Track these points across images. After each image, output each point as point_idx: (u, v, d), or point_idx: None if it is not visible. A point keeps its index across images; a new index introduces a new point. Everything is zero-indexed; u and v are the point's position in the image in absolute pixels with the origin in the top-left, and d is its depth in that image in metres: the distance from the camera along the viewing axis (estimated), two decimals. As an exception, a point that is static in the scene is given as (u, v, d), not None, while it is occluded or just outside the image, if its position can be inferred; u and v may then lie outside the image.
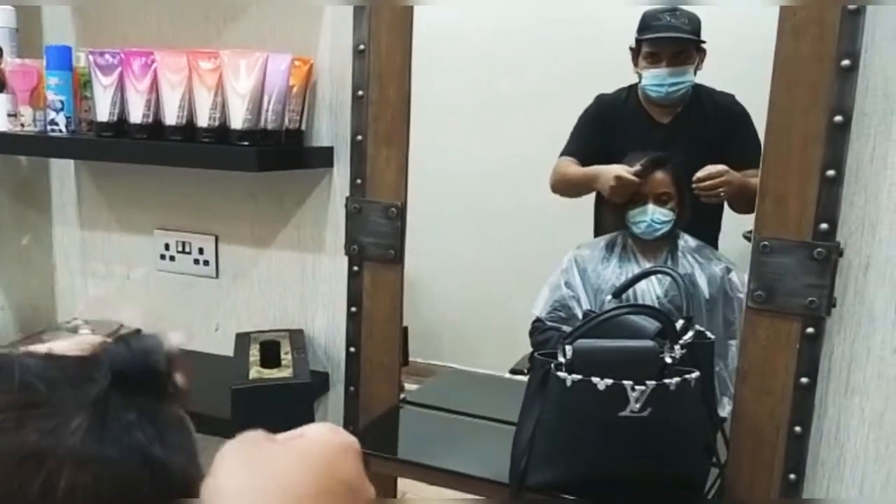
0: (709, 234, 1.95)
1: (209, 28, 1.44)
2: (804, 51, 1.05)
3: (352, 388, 1.41)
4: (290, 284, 1.48)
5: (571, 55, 1.92)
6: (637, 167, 1.79)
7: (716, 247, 1.97)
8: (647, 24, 1.82)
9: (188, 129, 1.29)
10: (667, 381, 1.07)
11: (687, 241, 1.95)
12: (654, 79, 1.78)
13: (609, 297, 1.40)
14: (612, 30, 1.87)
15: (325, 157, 1.39)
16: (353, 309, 1.39)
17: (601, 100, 1.86)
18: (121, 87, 1.33)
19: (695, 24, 1.76)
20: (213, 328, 1.55)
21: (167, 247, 1.56)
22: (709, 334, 1.29)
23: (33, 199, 1.62)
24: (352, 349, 1.40)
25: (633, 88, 1.86)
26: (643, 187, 1.84)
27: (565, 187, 1.94)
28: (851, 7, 1.03)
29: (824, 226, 1.08)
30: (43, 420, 0.42)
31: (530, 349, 1.93)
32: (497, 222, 2.36)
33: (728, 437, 1.21)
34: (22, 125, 1.40)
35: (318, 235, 1.44)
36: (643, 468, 1.09)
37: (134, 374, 0.46)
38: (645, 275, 1.55)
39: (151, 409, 0.46)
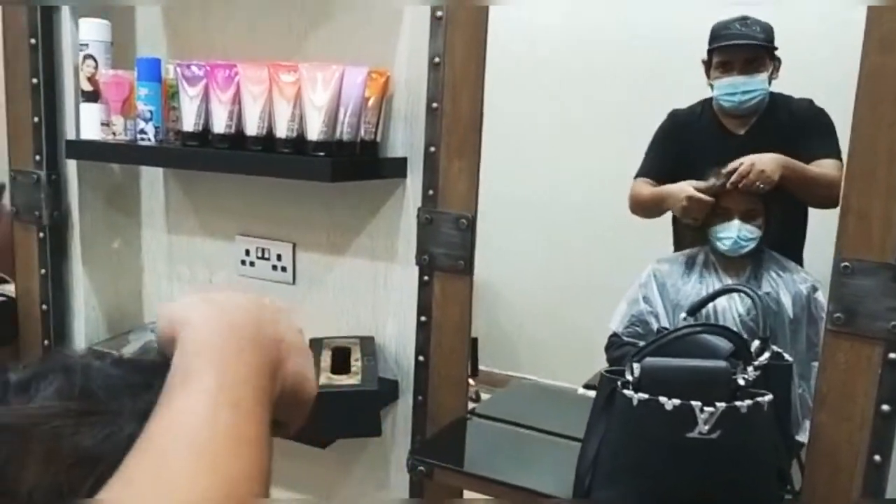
0: (792, 250, 1.89)
1: (291, 40, 1.48)
2: (891, 65, 1.01)
3: (420, 398, 1.42)
4: (363, 292, 1.50)
5: (647, 67, 1.90)
6: (710, 182, 1.76)
7: (800, 264, 1.91)
8: (717, 34, 1.79)
9: (268, 139, 1.33)
10: (738, 403, 1.04)
11: (772, 257, 1.89)
12: (727, 88, 1.74)
13: (684, 314, 1.37)
14: (690, 41, 1.84)
15: (399, 168, 1.41)
16: (423, 318, 1.40)
17: (675, 115, 1.83)
18: (206, 98, 1.38)
19: (767, 32, 1.72)
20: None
21: (247, 252, 1.61)
22: (786, 356, 1.25)
23: (124, 204, 1.69)
24: (420, 358, 1.41)
25: (707, 102, 1.82)
26: (729, 202, 1.79)
27: (640, 210, 1.92)
28: (944, 18, 0.98)
29: (910, 247, 1.03)
30: (98, 427, 0.44)
31: (606, 364, 1.92)
32: (576, 232, 2.35)
33: (804, 463, 1.16)
34: (114, 134, 1.47)
35: (390, 245, 1.46)
36: (710, 492, 1.06)
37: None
38: (721, 292, 1.51)
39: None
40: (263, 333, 0.51)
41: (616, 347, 1.92)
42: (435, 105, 1.33)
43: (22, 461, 0.42)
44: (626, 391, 1.07)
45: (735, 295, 1.79)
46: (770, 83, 1.78)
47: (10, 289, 1.69)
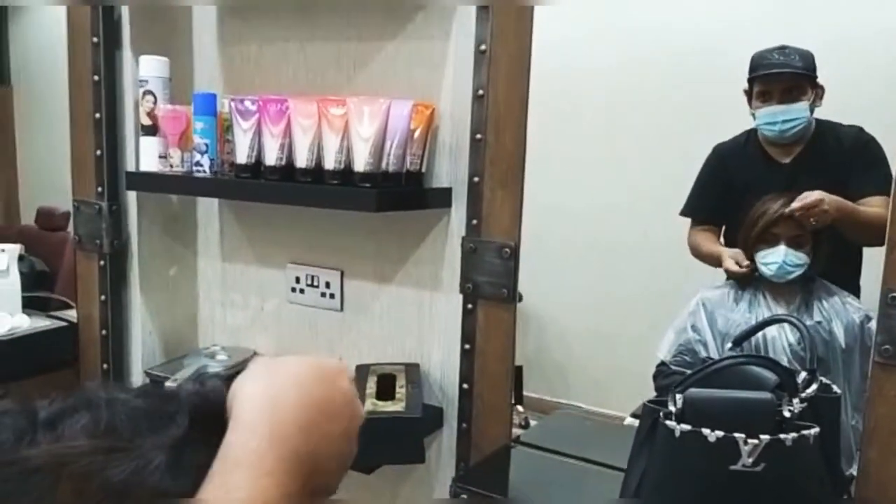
0: (847, 280, 1.86)
1: (340, 75, 1.52)
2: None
3: (464, 425, 1.43)
4: (409, 320, 1.53)
5: (694, 98, 1.90)
6: (744, 265, 1.78)
7: (857, 294, 1.87)
8: (756, 63, 1.79)
9: (317, 171, 1.37)
10: (783, 435, 1.03)
11: (823, 286, 1.86)
12: (767, 116, 1.74)
13: (730, 344, 1.36)
14: (736, 72, 1.84)
15: (443, 198, 1.44)
16: (467, 346, 1.41)
17: (718, 149, 1.84)
18: (258, 132, 1.43)
19: (807, 60, 1.71)
20: (336, 359, 1.61)
21: (297, 280, 1.65)
22: (835, 388, 1.22)
23: (181, 233, 1.75)
24: (465, 386, 1.43)
25: (752, 132, 1.82)
26: (777, 228, 1.78)
27: (700, 259, 1.93)
28: None
29: (960, 278, 1.01)
30: (125, 461, 0.46)
31: (654, 392, 1.90)
32: (625, 260, 2.34)
33: (854, 498, 1.14)
34: (171, 166, 1.53)
35: (435, 273, 1.49)
36: (755, 525, 1.05)
37: (209, 415, 0.50)
38: (768, 322, 1.50)
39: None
40: (308, 422, 0.54)
41: (664, 376, 1.91)
42: (479, 136, 1.35)
43: (54, 501, 0.45)
44: (668, 422, 1.06)
45: (786, 325, 1.77)
46: (812, 111, 1.76)
47: (72, 314, 1.76)
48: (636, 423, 1.82)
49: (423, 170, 1.43)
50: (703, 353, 1.89)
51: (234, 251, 1.73)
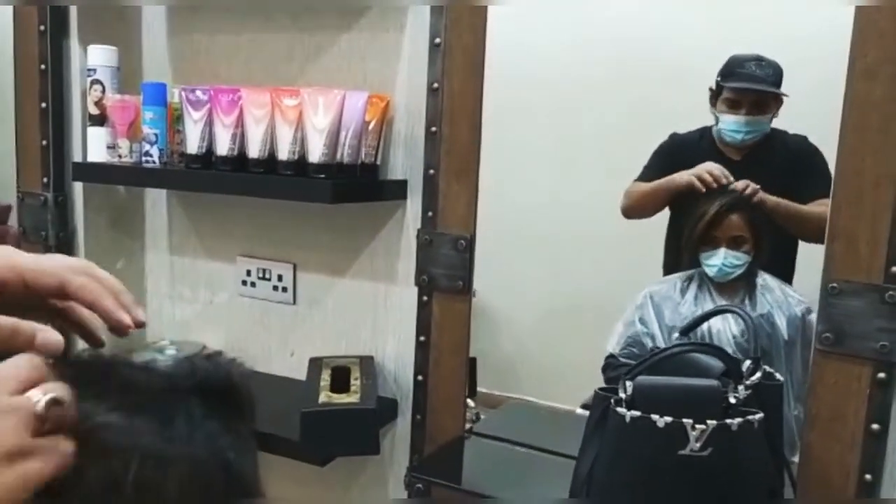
0: (782, 273, 1.92)
1: (293, 67, 1.52)
2: (876, 93, 1.04)
3: (419, 417, 1.44)
4: (363, 312, 1.53)
5: (646, 89, 1.93)
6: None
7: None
8: (731, 70, 1.83)
9: (270, 161, 1.36)
10: (728, 420, 1.06)
11: (766, 280, 1.91)
12: (733, 125, 1.79)
13: (677, 334, 1.39)
14: (687, 66, 1.88)
15: (398, 190, 1.44)
16: (422, 338, 1.42)
17: (675, 137, 1.87)
18: (209, 122, 1.41)
19: (778, 74, 1.77)
20: (288, 353, 1.61)
21: (248, 273, 1.63)
22: (778, 376, 1.26)
23: (128, 226, 1.72)
24: (419, 378, 1.43)
25: (707, 130, 1.86)
26: (717, 231, 1.83)
27: (637, 203, 1.95)
28: (925, 47, 1.01)
29: (896, 268, 1.05)
30: (139, 423, 0.47)
31: (603, 384, 1.93)
32: (574, 254, 2.37)
33: (794, 481, 1.18)
34: (119, 156, 1.50)
35: (390, 266, 1.49)
36: (703, 509, 1.08)
37: (218, 388, 0.52)
38: (714, 313, 1.53)
39: (228, 420, 0.52)
40: None
41: (613, 368, 1.94)
42: (434, 129, 1.36)
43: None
44: (619, 409, 1.09)
45: (730, 316, 1.81)
46: (771, 120, 1.83)
47: (15, 308, 1.72)
48: (586, 413, 1.86)
49: (378, 161, 1.43)
50: (651, 345, 1.92)
51: (182, 244, 1.71)
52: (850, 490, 1.12)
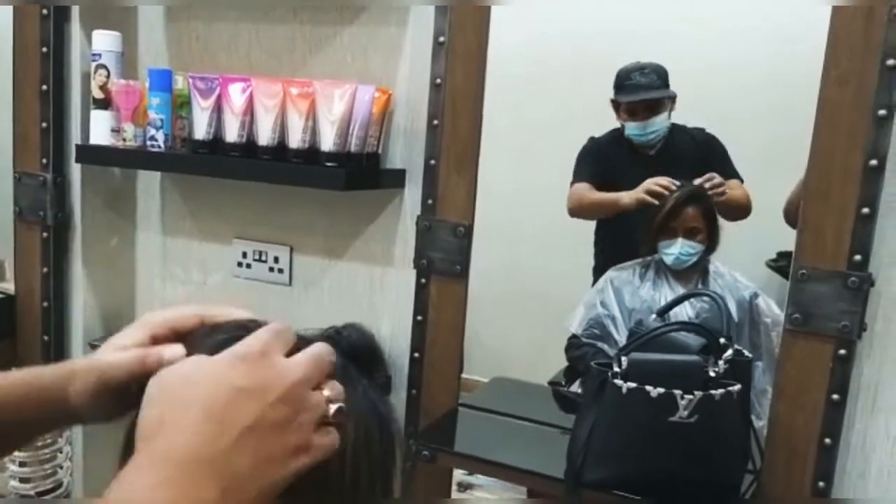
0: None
1: (294, 58, 1.58)
2: (846, 99, 1.18)
3: (414, 392, 1.54)
4: (359, 294, 1.61)
5: (597, 82, 2.09)
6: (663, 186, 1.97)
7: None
8: (620, 83, 2.06)
9: (279, 149, 1.43)
10: (712, 391, 1.20)
11: (717, 267, 2.08)
12: (635, 130, 2.03)
13: (654, 315, 1.52)
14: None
15: (397, 179, 1.53)
16: (419, 318, 1.52)
17: (593, 140, 2.09)
18: (218, 109, 1.47)
19: (663, 77, 2.02)
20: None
21: (244, 255, 1.69)
22: (746, 353, 1.41)
23: (122, 206, 1.76)
24: (416, 355, 1.53)
25: (618, 130, 2.07)
26: (674, 222, 1.99)
27: (584, 212, 2.14)
28: (890, 63, 1.16)
29: (858, 257, 1.20)
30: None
31: (559, 362, 2.07)
32: (527, 240, 2.49)
33: (761, 447, 1.33)
34: (124, 140, 1.54)
35: (387, 250, 1.58)
36: (688, 469, 1.21)
37: (365, 351, 0.61)
38: (688, 296, 1.67)
39: (373, 379, 0.61)
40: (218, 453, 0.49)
41: (576, 348, 2.08)
42: (436, 122, 1.45)
43: None
44: (616, 381, 1.21)
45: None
46: (670, 116, 2.03)
47: (7, 286, 1.74)
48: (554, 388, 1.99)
49: (380, 151, 1.51)
50: (612, 327, 2.06)
51: (176, 226, 1.76)
52: (811, 453, 1.27)
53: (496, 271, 2.37)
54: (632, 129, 2.04)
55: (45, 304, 1.67)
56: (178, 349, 0.62)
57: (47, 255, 1.65)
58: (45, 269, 1.66)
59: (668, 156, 2.07)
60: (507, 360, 2.39)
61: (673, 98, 2.03)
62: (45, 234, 1.65)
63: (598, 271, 2.14)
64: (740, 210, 2.00)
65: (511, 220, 2.27)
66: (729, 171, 2.00)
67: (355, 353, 0.62)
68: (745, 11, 1.94)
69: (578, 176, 2.11)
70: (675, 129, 2.06)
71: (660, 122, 2.02)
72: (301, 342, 0.57)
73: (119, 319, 1.78)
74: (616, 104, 2.05)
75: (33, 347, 1.69)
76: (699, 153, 2.07)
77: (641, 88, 2.01)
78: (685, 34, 2.04)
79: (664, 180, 1.98)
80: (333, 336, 0.62)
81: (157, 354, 0.62)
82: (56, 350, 1.68)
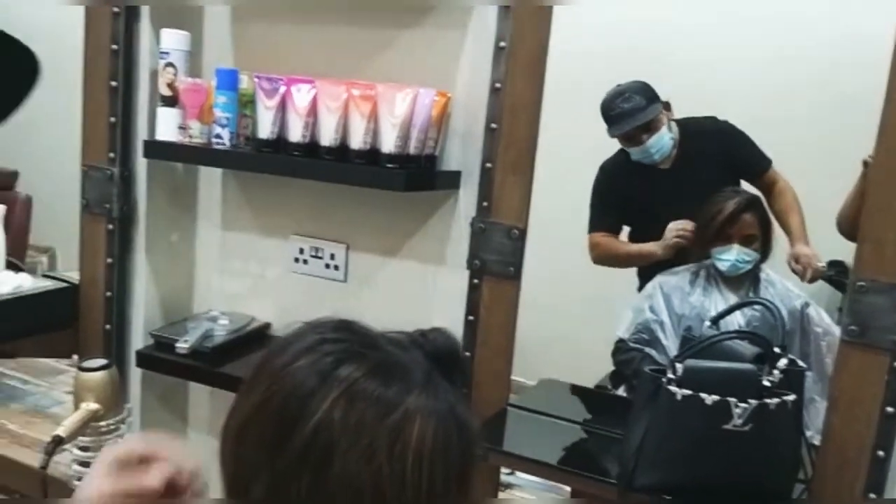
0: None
1: (355, 60, 1.61)
2: (911, 114, 1.18)
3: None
4: (411, 293, 1.64)
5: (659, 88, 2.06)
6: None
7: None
8: (606, 116, 1.97)
9: (341, 150, 1.46)
10: (767, 400, 1.20)
11: (769, 275, 2.07)
12: (639, 154, 1.97)
13: (707, 323, 1.53)
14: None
15: (453, 181, 1.55)
16: (471, 317, 1.54)
17: (604, 167, 2.03)
18: (282, 109, 1.51)
19: (647, 93, 1.92)
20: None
21: (301, 251, 1.73)
22: (800, 363, 1.41)
23: (184, 201, 1.81)
24: (467, 354, 1.55)
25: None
26: (731, 229, 1.98)
27: (611, 263, 2.12)
28: (956, 79, 1.15)
29: (918, 271, 1.20)
30: (398, 380, 0.58)
31: (605, 366, 2.08)
32: (576, 244, 2.50)
33: (813, 457, 1.33)
34: (190, 137, 1.59)
35: (440, 250, 1.60)
36: (739, 477, 1.22)
37: (449, 355, 0.63)
38: (743, 304, 1.68)
39: (454, 382, 0.63)
40: None
41: (622, 352, 2.08)
42: (494, 125, 1.47)
43: None
44: (670, 387, 1.22)
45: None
46: (671, 127, 1.97)
47: (71, 276, 1.80)
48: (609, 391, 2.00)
49: (437, 153, 1.54)
50: (661, 332, 2.07)
51: (235, 221, 1.80)
52: (863, 464, 1.27)
53: (543, 274, 2.38)
54: (636, 154, 1.98)
55: (108, 293, 1.72)
56: None
57: (112, 247, 1.71)
58: (108, 260, 1.71)
59: (686, 161, 2.02)
60: (552, 364, 2.41)
61: (667, 107, 1.96)
62: (110, 226, 1.70)
63: (644, 275, 2.13)
64: (795, 212, 1.97)
65: (561, 225, 2.28)
66: (755, 158, 1.94)
67: (439, 356, 0.64)
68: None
69: (592, 225, 2.07)
70: (684, 132, 1.99)
71: (660, 139, 1.96)
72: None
73: (177, 311, 1.83)
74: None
75: (96, 336, 1.74)
76: (719, 146, 2.00)
77: (627, 115, 1.93)
78: (735, 30, 2.00)
79: (681, 223, 1.97)
80: (419, 339, 0.65)
81: None
82: (118, 339, 1.74)
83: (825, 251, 1.99)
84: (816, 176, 1.99)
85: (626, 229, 2.11)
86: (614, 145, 2.15)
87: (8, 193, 3.27)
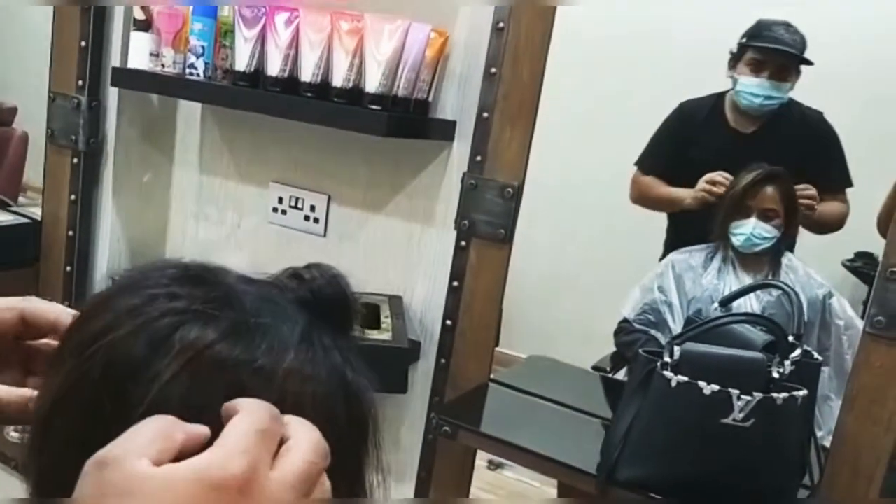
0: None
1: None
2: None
3: (443, 361, 1.43)
4: (395, 251, 1.50)
5: (683, 60, 1.91)
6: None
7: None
8: (758, 32, 1.80)
9: (322, 87, 1.32)
10: (774, 394, 1.06)
11: (791, 260, 1.91)
12: (753, 87, 1.76)
13: (715, 305, 1.38)
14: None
15: (447, 131, 1.41)
16: (455, 283, 1.40)
17: (683, 108, 1.86)
18: (262, 41, 1.37)
19: (804, 43, 1.75)
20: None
21: (280, 200, 1.60)
22: (816, 355, 1.27)
23: (159, 139, 1.68)
24: (448, 322, 1.42)
25: (720, 97, 1.84)
26: (750, 200, 1.81)
27: (645, 204, 1.97)
28: None
29: (958, 259, 1.05)
30: (266, 342, 0.44)
31: (606, 346, 1.94)
32: (588, 218, 2.36)
33: (821, 460, 1.19)
34: (162, 65, 1.45)
35: (429, 207, 1.46)
36: (735, 478, 1.08)
37: (331, 302, 0.49)
38: (759, 286, 1.53)
39: (341, 336, 0.49)
40: None
41: (626, 333, 1.94)
42: (493, 70, 1.32)
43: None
44: (665, 372, 1.08)
45: (750, 294, 1.81)
46: (789, 92, 1.81)
47: (33, 211, 1.68)
48: (607, 374, 1.86)
49: (430, 98, 1.40)
50: (668, 314, 1.92)
51: (213, 164, 1.67)
52: (877, 474, 1.13)
53: (545, 241, 2.24)
54: (749, 85, 1.78)
55: (71, 232, 1.60)
56: None
57: (76, 182, 1.58)
58: (72, 197, 1.59)
59: (769, 137, 1.84)
60: (549, 339, 2.27)
61: (800, 71, 1.78)
62: (75, 160, 1.58)
63: (670, 246, 1.98)
64: (828, 227, 1.82)
65: (566, 188, 2.14)
66: (835, 173, 1.77)
67: (321, 303, 0.50)
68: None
69: (645, 167, 1.93)
70: (787, 104, 1.80)
71: (782, 91, 1.76)
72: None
73: (146, 255, 1.71)
74: (738, 55, 1.80)
75: (56, 277, 1.63)
76: (808, 141, 1.84)
77: (783, 42, 1.75)
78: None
79: (716, 175, 1.80)
80: (289, 282, 0.51)
81: None
82: (78, 281, 1.62)
83: (854, 241, 1.83)
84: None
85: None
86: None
87: (5, 129, 3.17)
